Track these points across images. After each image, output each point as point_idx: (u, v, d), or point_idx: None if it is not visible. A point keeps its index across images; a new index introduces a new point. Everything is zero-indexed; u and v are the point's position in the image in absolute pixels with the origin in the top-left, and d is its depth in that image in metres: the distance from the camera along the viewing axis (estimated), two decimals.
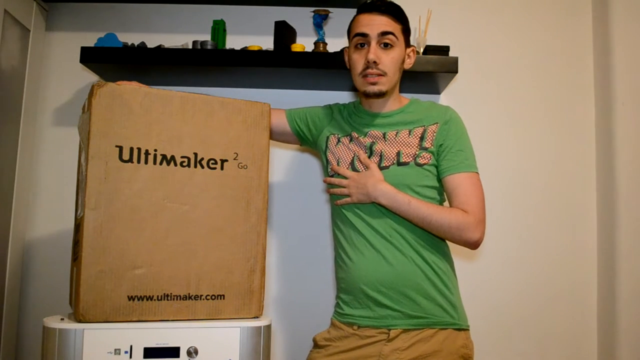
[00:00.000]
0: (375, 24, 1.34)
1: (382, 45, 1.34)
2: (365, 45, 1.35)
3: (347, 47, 1.45)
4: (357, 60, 1.37)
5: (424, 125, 1.39)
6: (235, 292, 1.21)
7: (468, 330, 1.37)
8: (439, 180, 1.38)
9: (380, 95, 1.37)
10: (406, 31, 1.39)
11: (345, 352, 1.35)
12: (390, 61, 1.35)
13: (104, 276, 1.11)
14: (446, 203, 1.40)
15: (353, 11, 1.44)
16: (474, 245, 1.33)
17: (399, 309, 1.32)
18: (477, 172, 1.37)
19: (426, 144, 1.37)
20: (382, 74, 1.35)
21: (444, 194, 1.40)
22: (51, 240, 1.81)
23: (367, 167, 1.37)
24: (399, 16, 1.37)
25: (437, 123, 1.38)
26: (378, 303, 1.33)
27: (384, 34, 1.34)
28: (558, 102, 1.92)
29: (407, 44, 1.41)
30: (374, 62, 1.33)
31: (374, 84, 1.35)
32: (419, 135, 1.38)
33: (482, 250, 1.62)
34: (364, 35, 1.35)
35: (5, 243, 1.67)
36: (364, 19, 1.36)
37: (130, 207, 1.14)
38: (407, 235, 1.34)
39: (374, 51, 1.33)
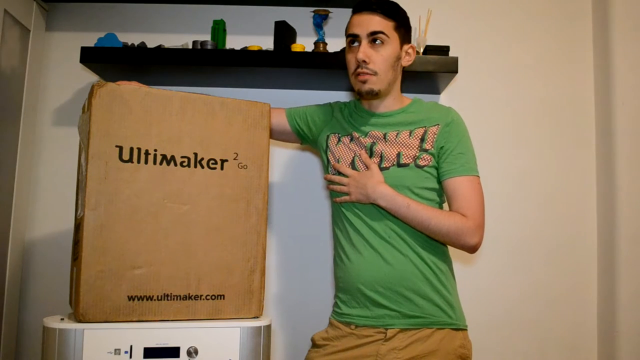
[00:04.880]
0: (365, 23, 1.34)
1: (373, 44, 1.34)
2: (357, 45, 1.35)
3: None
4: (350, 60, 1.37)
5: (424, 126, 1.38)
6: (235, 292, 1.21)
7: (466, 330, 1.36)
8: (439, 182, 1.38)
9: (373, 94, 1.36)
10: (401, 28, 1.37)
11: (343, 352, 1.35)
12: (381, 60, 1.34)
13: (104, 276, 1.11)
14: (446, 205, 1.40)
15: None
16: (472, 249, 1.33)
17: (396, 309, 1.32)
18: (478, 176, 1.36)
19: (426, 146, 1.36)
20: (373, 73, 1.34)
21: (444, 196, 1.40)
22: (51, 240, 1.81)
23: (367, 167, 1.37)
24: (392, 13, 1.35)
25: (438, 125, 1.38)
26: (375, 303, 1.33)
27: (373, 33, 1.33)
28: (558, 102, 1.92)
29: (405, 41, 1.39)
30: (364, 61, 1.33)
31: (364, 82, 1.35)
32: (420, 137, 1.37)
33: (483, 250, 1.61)
34: (355, 35, 1.35)
35: (5, 243, 1.67)
36: (355, 20, 1.36)
37: (130, 207, 1.14)
38: (406, 236, 1.34)
39: (363, 50, 1.33)
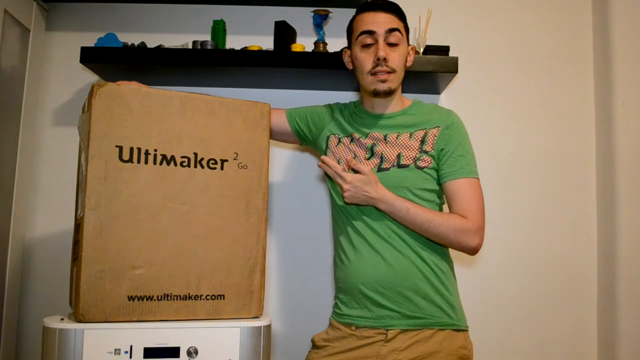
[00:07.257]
0: (382, 21, 1.34)
1: (389, 43, 1.35)
2: (372, 43, 1.35)
3: (347, 48, 1.44)
4: (365, 59, 1.36)
5: (425, 129, 1.38)
6: (235, 292, 1.21)
7: (467, 330, 1.36)
8: (439, 183, 1.38)
9: (390, 93, 1.37)
10: (406, 30, 1.40)
11: (343, 353, 1.35)
12: (398, 58, 1.35)
13: (104, 276, 1.11)
14: (446, 207, 1.40)
15: (353, 11, 1.44)
16: (472, 251, 1.33)
17: (397, 310, 1.32)
18: (478, 178, 1.36)
19: (427, 148, 1.36)
20: (392, 71, 1.35)
21: (444, 197, 1.40)
22: (51, 240, 1.81)
23: (359, 171, 1.30)
24: (401, 14, 1.38)
25: (438, 127, 1.38)
26: (376, 303, 1.33)
27: (391, 30, 1.34)
28: (558, 102, 1.92)
29: (408, 42, 1.42)
30: (384, 59, 1.32)
31: (383, 81, 1.34)
32: (420, 139, 1.37)
33: (483, 250, 1.61)
34: (371, 32, 1.34)
35: (5, 243, 1.67)
36: (369, 17, 1.36)
37: (130, 207, 1.14)
38: (406, 236, 1.34)
39: (383, 48, 1.33)
